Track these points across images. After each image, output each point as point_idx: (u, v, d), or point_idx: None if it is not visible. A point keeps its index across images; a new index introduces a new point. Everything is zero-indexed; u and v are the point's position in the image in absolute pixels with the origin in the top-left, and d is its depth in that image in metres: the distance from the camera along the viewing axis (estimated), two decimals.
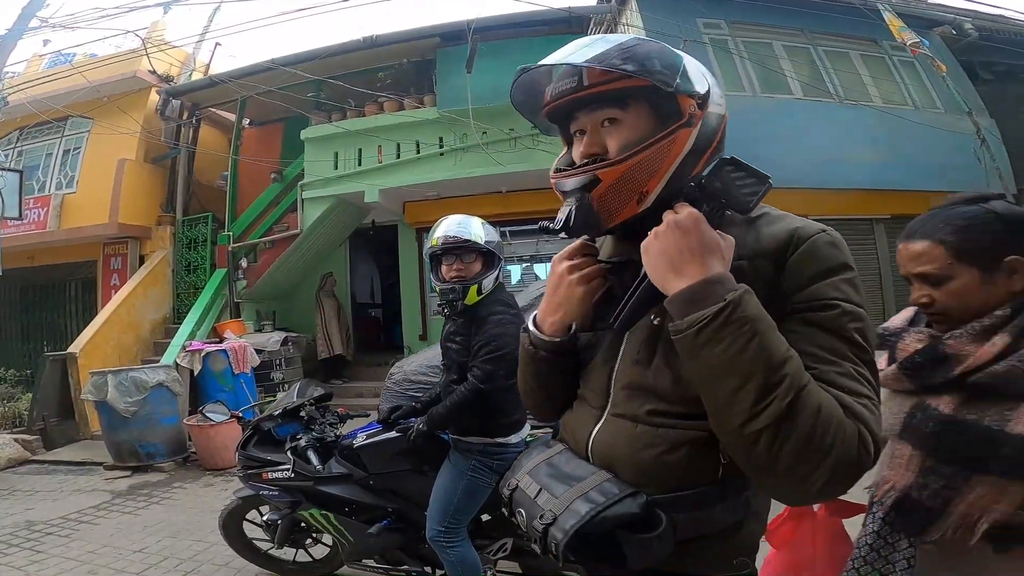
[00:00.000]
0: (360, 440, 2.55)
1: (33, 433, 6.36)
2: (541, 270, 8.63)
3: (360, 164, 7.56)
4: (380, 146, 7.44)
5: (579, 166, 0.91)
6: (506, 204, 7.59)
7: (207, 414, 4.23)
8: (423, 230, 8.33)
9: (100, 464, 5.65)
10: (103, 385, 5.38)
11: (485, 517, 2.46)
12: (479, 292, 2.18)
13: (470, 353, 2.17)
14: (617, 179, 0.85)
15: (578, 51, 0.87)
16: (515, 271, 8.57)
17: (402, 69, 7.98)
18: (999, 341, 1.00)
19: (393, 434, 2.43)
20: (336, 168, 7.66)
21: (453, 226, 2.19)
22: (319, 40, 8.35)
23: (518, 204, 7.69)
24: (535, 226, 7.38)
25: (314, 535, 2.97)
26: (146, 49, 8.08)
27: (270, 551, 3.03)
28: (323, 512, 2.57)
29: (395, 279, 8.86)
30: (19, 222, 7.71)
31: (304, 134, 7.88)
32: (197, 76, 9.31)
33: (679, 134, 0.83)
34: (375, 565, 2.68)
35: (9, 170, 6.98)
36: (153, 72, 8.64)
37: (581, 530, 0.81)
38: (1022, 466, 0.96)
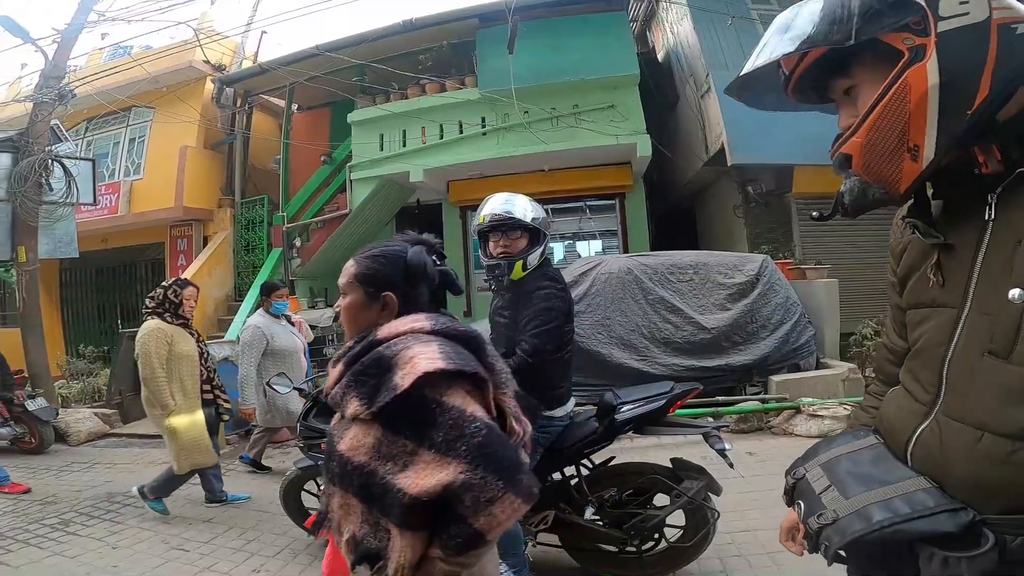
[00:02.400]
0: None
1: (111, 407, 6.71)
2: (583, 247, 8.70)
3: (405, 145, 7.74)
4: (424, 127, 7.58)
5: (834, 145, 0.85)
6: (549, 182, 7.64)
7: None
8: (467, 208, 8.48)
9: None
10: None
11: None
12: (524, 267, 2.24)
13: (518, 327, 2.21)
14: (863, 148, 0.78)
15: (778, 42, 0.81)
16: (558, 249, 8.65)
17: (442, 51, 8.05)
18: (339, 368, 1.13)
19: None
20: (382, 149, 7.87)
21: (499, 204, 2.26)
22: (361, 25, 8.51)
23: (561, 182, 7.74)
24: (578, 204, 7.53)
25: None
26: (198, 39, 8.45)
27: None
28: None
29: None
30: (93, 207, 8.19)
31: (351, 117, 8.12)
32: (247, 64, 9.65)
33: (907, 75, 0.72)
34: None
35: (82, 159, 7.38)
36: (207, 62, 9.01)
37: (866, 539, 0.76)
38: (344, 478, 1.04)
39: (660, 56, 9.46)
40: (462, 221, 8.61)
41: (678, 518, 2.41)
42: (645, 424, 2.39)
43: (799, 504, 0.89)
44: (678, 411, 2.54)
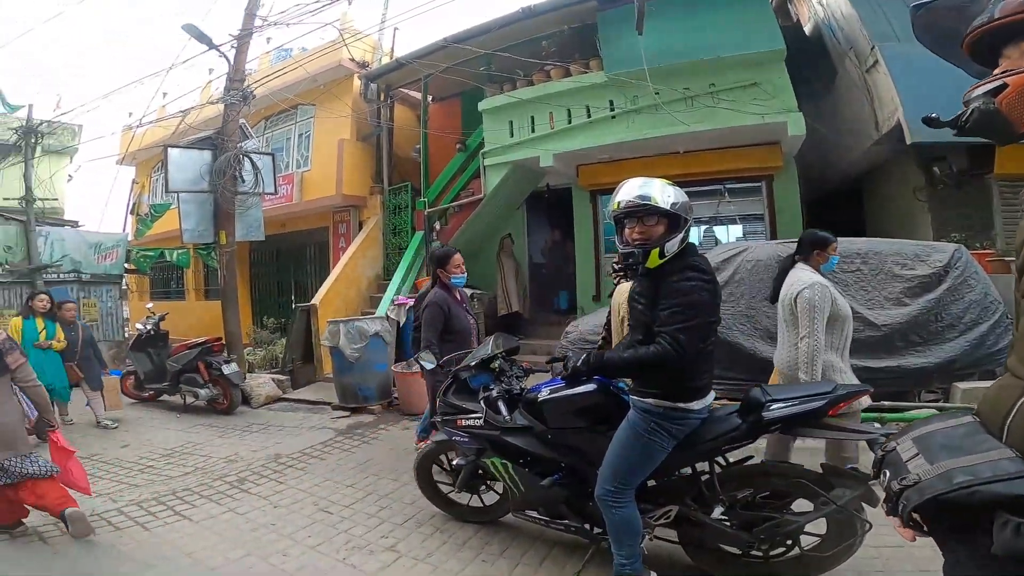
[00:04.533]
0: (544, 395, 2.61)
1: (284, 374, 7.67)
2: (722, 233, 8.09)
3: (533, 131, 7.79)
4: (551, 112, 7.56)
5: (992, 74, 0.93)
6: (684, 165, 7.19)
7: (421, 361, 4.80)
8: (597, 192, 8.34)
9: (328, 404, 6.56)
10: (336, 332, 6.33)
11: (651, 483, 2.46)
12: (661, 255, 2.13)
13: (658, 316, 2.12)
14: (1021, 86, 0.86)
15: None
16: (694, 234, 8.14)
17: (563, 36, 7.92)
18: None
19: (576, 390, 2.46)
20: (512, 136, 8.01)
21: (634, 189, 2.16)
22: (486, 15, 8.58)
23: (697, 164, 7.25)
24: (716, 187, 6.98)
25: (488, 483, 3.21)
26: (343, 39, 9.23)
27: (450, 494, 3.35)
28: (503, 461, 2.76)
29: (570, 241, 9.13)
30: (274, 196, 9.40)
31: (481, 106, 8.36)
32: (385, 60, 10.32)
33: None
34: (537, 517, 2.83)
35: (264, 153, 8.42)
36: (352, 60, 9.86)
37: (945, 498, 0.79)
38: None
39: (808, 29, 8.44)
40: (592, 205, 8.48)
41: (818, 526, 2.27)
42: (797, 425, 2.24)
43: (884, 473, 0.93)
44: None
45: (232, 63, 7.67)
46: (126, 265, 11.05)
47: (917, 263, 4.67)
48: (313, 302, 8.20)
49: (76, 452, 3.45)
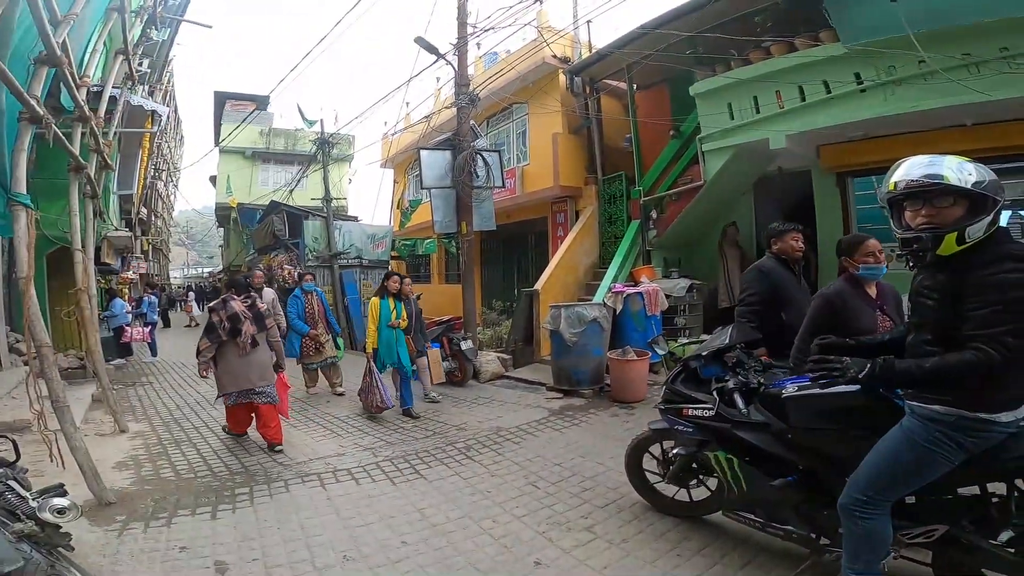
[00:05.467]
0: (790, 391, 2.44)
1: (507, 353, 8.36)
2: None
3: (758, 112, 7.06)
4: (778, 91, 6.74)
5: None
6: (975, 139, 5.68)
7: (654, 347, 4.87)
8: (845, 174, 7.22)
9: (543, 385, 6.98)
10: (558, 316, 6.71)
11: (910, 499, 2.15)
12: (960, 241, 1.82)
13: (950, 313, 1.84)
14: None
15: None
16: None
17: (779, 9, 6.93)
18: None
19: (835, 390, 2.17)
20: (732, 118, 7.39)
21: (919, 168, 1.88)
22: None
23: (996, 138, 5.68)
24: (1022, 164, 5.44)
25: (700, 477, 3.11)
26: (543, 38, 9.49)
27: (656, 484, 3.32)
28: (728, 456, 2.65)
29: (809, 228, 8.05)
30: (502, 190, 10.32)
31: (693, 90, 7.86)
32: (585, 54, 10.38)
33: None
34: (754, 518, 2.66)
35: (493, 150, 9.23)
36: (555, 56, 10.17)
37: None
38: None
39: None
40: (840, 188, 7.34)
41: None
42: None
43: None
44: None
45: (457, 69, 8.59)
46: (391, 252, 13.42)
47: None
48: (536, 287, 8.79)
49: (291, 388, 5.18)
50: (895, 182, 1.92)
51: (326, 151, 13.17)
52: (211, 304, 5.18)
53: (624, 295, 7.42)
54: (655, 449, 3.35)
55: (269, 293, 7.46)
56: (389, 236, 13.21)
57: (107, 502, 3.62)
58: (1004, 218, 6.33)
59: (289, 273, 11.44)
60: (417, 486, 3.95)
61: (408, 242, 13.78)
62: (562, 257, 9.44)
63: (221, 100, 23.63)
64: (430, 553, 2.97)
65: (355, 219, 15.44)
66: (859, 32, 5.82)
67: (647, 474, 3.40)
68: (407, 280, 6.37)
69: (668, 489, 3.29)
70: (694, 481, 3.17)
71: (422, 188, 9.29)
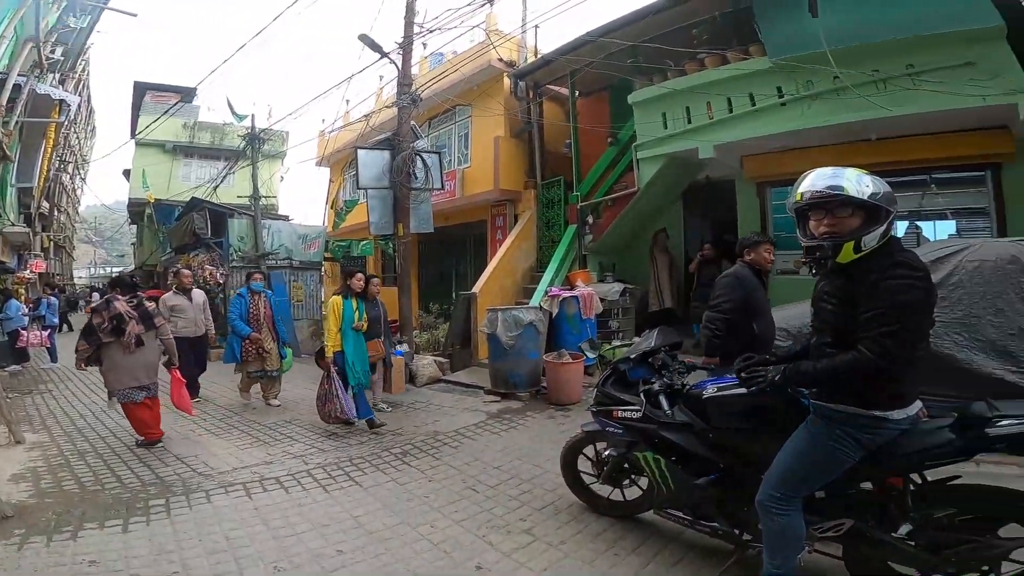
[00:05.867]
0: (710, 391, 2.52)
1: (444, 357, 8.27)
2: (928, 229, 6.82)
3: (690, 122, 7.42)
4: (709, 102, 7.12)
5: None
6: (877, 153, 6.24)
7: (585, 351, 4.91)
8: (765, 184, 7.68)
9: (481, 388, 6.93)
10: (494, 320, 6.71)
11: (820, 494, 2.28)
12: (857, 249, 1.94)
13: (847, 317, 1.96)
14: None
15: None
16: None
17: (715, 23, 7.37)
18: None
19: (740, 391, 2.31)
20: (666, 128, 7.71)
21: (822, 179, 1.98)
22: (630, 5, 8.27)
23: (895, 152, 6.26)
24: (919, 177, 5.98)
25: (632, 477, 3.18)
26: (491, 41, 9.56)
27: (591, 485, 3.38)
28: (655, 456, 2.72)
29: (732, 235, 8.52)
30: (441, 192, 10.14)
31: (631, 98, 8.15)
32: (531, 59, 10.52)
33: None
34: (682, 516, 2.75)
35: (433, 152, 9.08)
36: (501, 60, 10.25)
37: None
38: None
39: None
40: (759, 198, 7.82)
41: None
42: None
43: None
44: None
45: (400, 68, 8.46)
46: (325, 254, 12.93)
47: None
48: (474, 291, 8.77)
49: (184, 383, 5.28)
50: (801, 193, 2.01)
51: (256, 147, 12.52)
52: (94, 305, 5.15)
53: (560, 299, 7.53)
54: (589, 451, 3.40)
55: (199, 294, 7.04)
56: (322, 237, 12.74)
57: (3, 515, 3.37)
58: (902, 228, 7.05)
59: (211, 274, 10.79)
60: (352, 493, 3.86)
61: (343, 243, 13.37)
62: (500, 260, 9.46)
63: (141, 91, 22.20)
64: (367, 561, 2.90)
65: (286, 218, 14.79)
66: (783, 47, 6.23)
67: (582, 475, 3.44)
68: (375, 280, 5.92)
69: (603, 489, 3.34)
70: (627, 481, 3.23)
71: (358, 188, 9.03)
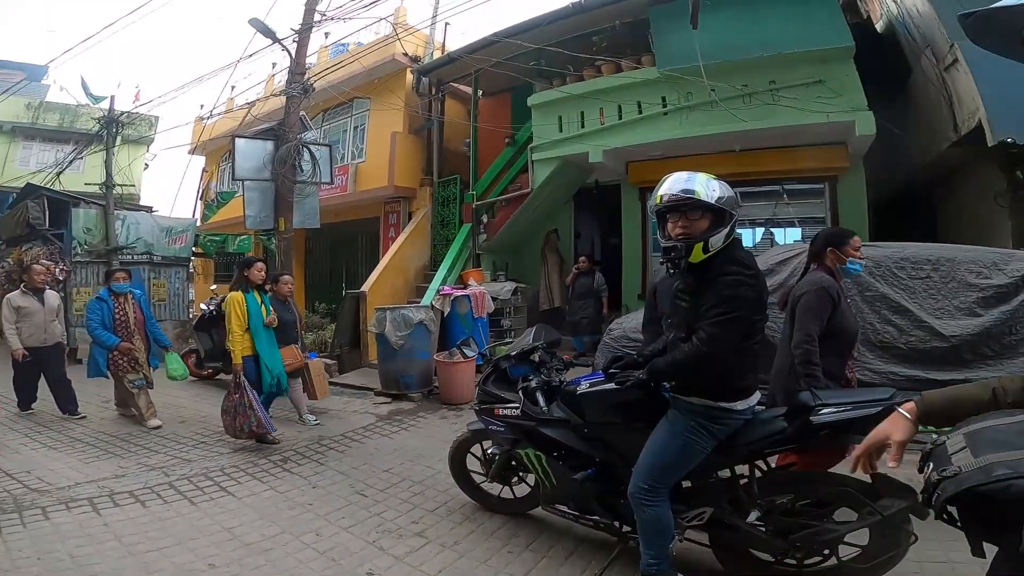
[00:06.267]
0: (583, 388, 2.60)
1: (332, 358, 7.85)
2: (780, 235, 7.72)
3: (583, 127, 7.75)
4: (601, 108, 7.49)
5: None
6: (740, 164, 6.95)
7: (463, 349, 4.80)
8: (646, 189, 8.18)
9: (371, 390, 6.67)
10: (383, 320, 6.47)
11: (686, 484, 2.43)
12: (705, 250, 2.09)
13: (696, 313, 2.10)
14: None
15: None
16: (747, 235, 7.78)
17: (615, 32, 7.81)
18: None
19: (614, 385, 2.41)
20: (561, 131, 7.98)
21: (678, 183, 2.12)
22: (537, 9, 8.60)
23: (754, 163, 7.01)
24: (774, 187, 6.75)
25: (520, 474, 3.22)
26: (396, 34, 9.37)
27: (481, 484, 3.38)
28: (537, 453, 2.77)
29: (617, 238, 8.99)
30: (331, 186, 9.66)
31: (530, 101, 8.36)
32: (437, 55, 10.44)
33: None
34: (567, 511, 2.82)
35: (322, 144, 8.64)
36: (405, 54, 10.02)
37: (980, 490, 0.79)
38: None
39: (880, 27, 8.00)
40: (641, 203, 8.35)
41: (860, 536, 2.21)
42: (847, 431, 2.15)
43: (928, 465, 0.92)
44: None
45: (293, 57, 7.94)
46: (194, 249, 11.71)
47: (994, 272, 4.35)
48: (362, 289, 8.42)
49: None
50: (660, 195, 2.15)
51: (111, 130, 11.02)
52: None
53: (451, 297, 7.46)
54: (476, 450, 3.38)
55: (53, 296, 5.93)
56: (191, 230, 11.50)
57: None
58: (758, 234, 7.94)
59: (48, 270, 9.27)
60: (223, 504, 3.56)
61: (216, 238, 12.19)
62: (392, 258, 9.20)
63: None
64: (245, 574, 2.70)
65: (149, 209, 13.19)
66: (670, 58, 6.71)
67: (472, 475, 3.43)
68: (287, 278, 5.39)
69: (493, 488, 3.34)
70: (515, 479, 3.26)
71: (234, 179, 8.31)
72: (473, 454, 3.39)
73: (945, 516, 0.87)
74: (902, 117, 7.04)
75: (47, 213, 10.16)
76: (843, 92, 6.00)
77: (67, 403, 5.69)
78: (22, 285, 5.87)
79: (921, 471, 0.96)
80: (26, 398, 5.83)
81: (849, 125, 6.06)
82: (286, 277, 5.44)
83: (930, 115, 6.60)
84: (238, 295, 4.79)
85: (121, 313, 5.46)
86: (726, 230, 2.10)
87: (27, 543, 2.93)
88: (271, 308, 4.96)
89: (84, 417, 5.67)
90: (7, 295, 5.82)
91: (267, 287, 5.16)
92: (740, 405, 2.16)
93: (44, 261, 9.06)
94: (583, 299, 7.75)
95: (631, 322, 5.54)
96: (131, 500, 3.55)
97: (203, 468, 4.18)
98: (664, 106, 7.01)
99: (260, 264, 5.04)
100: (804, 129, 6.28)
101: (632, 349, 4.24)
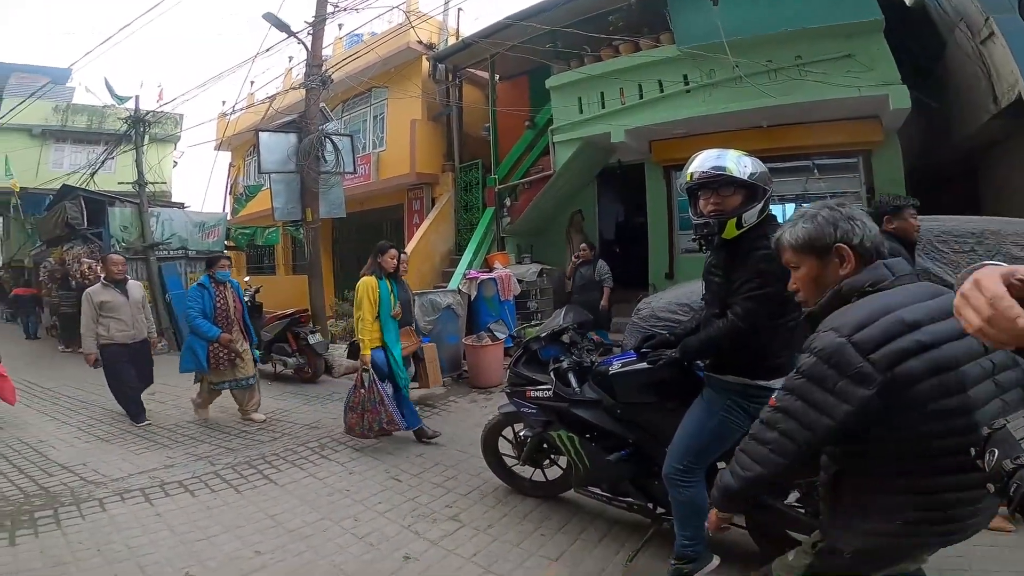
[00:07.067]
0: (615, 368, 2.58)
1: None
2: None
3: (603, 107, 7.64)
4: (621, 88, 7.39)
5: None
6: (768, 139, 6.76)
7: (494, 331, 4.79)
8: (671, 168, 8.05)
9: None
10: None
11: (722, 464, 2.36)
12: (739, 226, 2.07)
13: (731, 288, 2.08)
14: None
15: None
16: (777, 211, 7.53)
17: (631, 10, 7.60)
18: None
19: (646, 365, 2.39)
20: (581, 112, 7.89)
21: (708, 160, 2.10)
22: None
23: (782, 139, 6.82)
24: (804, 163, 6.57)
25: (552, 457, 3.22)
26: (410, 22, 9.31)
27: (513, 467, 3.39)
28: (569, 434, 2.75)
29: (643, 217, 8.88)
30: (354, 176, 9.76)
31: (548, 83, 8.27)
32: (451, 41, 10.39)
33: None
34: (600, 493, 2.81)
35: (344, 135, 8.68)
36: (420, 42, 10.00)
37: None
38: None
39: (910, 1, 7.64)
40: (666, 181, 8.22)
41: None
42: None
43: (992, 452, 0.85)
44: None
45: (310, 49, 7.99)
46: (226, 242, 12.00)
47: None
48: None
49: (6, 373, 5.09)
50: (691, 173, 2.13)
51: (139, 130, 11.30)
52: None
53: (478, 281, 7.48)
54: (508, 432, 3.40)
55: (137, 287, 5.50)
56: (222, 224, 11.79)
57: None
58: (788, 210, 7.70)
59: (89, 268, 9.66)
60: (267, 492, 3.64)
61: (247, 231, 12.48)
62: (417, 244, 9.29)
63: (6, 73, 19.28)
64: (289, 560, 2.77)
65: (181, 206, 13.55)
66: (690, 36, 6.55)
67: (504, 458, 3.44)
68: (405, 256, 4.95)
69: (525, 471, 3.35)
70: (547, 461, 3.26)
71: (260, 173, 8.46)
72: (505, 437, 3.40)
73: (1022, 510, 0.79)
74: (937, 90, 6.77)
75: (85, 213, 10.53)
76: (874, 66, 5.80)
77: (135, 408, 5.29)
78: (103, 277, 5.33)
79: (980, 457, 0.88)
80: (135, 408, 5.26)
81: (883, 99, 5.86)
82: (404, 256, 4.96)
83: (967, 88, 6.37)
84: (371, 280, 4.36)
85: (221, 302, 5.08)
86: (760, 205, 2.07)
87: (86, 535, 3.04)
88: (398, 298, 4.55)
89: (149, 424, 5.23)
90: (87, 290, 5.27)
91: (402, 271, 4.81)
92: (777, 383, 2.12)
93: (86, 260, 9.43)
94: (584, 292, 6.87)
95: (660, 302, 5.48)
96: (181, 490, 3.68)
97: (246, 457, 4.28)
98: (686, 84, 6.85)
99: (394, 251, 4.57)
100: (834, 103, 6.10)
101: (662, 328, 4.19)
